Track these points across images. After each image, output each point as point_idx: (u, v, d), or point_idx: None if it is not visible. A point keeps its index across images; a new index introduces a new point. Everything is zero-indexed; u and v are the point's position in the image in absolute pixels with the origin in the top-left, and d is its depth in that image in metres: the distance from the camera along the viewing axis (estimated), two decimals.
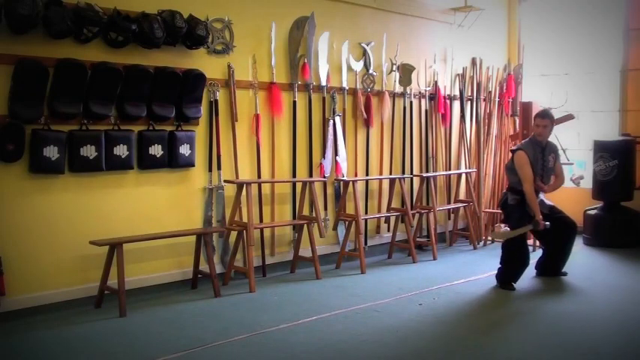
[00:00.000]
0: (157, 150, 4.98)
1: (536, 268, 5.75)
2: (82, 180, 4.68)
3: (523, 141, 5.90)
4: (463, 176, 7.50)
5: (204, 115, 5.32)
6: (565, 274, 5.73)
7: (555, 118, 5.83)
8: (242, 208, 5.44)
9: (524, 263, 5.39)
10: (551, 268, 5.71)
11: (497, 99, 8.05)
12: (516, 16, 8.60)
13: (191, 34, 5.00)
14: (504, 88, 8.16)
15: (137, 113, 4.83)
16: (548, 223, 5.26)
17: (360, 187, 6.45)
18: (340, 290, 5.30)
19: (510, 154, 5.74)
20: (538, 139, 5.50)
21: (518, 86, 8.40)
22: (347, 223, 6.14)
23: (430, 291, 5.23)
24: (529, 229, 5.34)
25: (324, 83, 6.13)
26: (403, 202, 6.53)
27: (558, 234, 5.48)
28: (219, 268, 5.39)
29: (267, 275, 5.74)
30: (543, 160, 5.52)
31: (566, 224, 5.57)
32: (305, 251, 5.85)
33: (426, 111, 7.27)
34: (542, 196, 5.59)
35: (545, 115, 5.57)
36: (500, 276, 5.42)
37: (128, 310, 4.52)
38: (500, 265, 5.45)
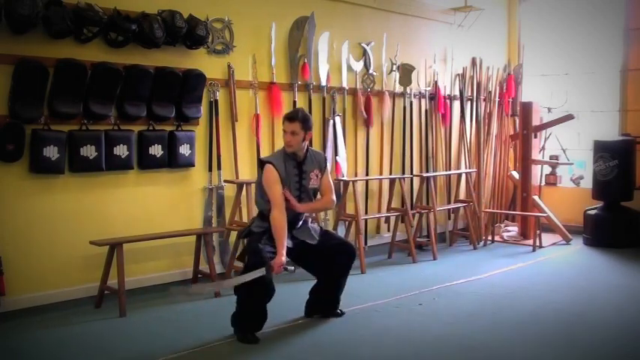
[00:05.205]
0: (156, 150, 4.98)
1: (306, 308, 4.46)
2: (82, 180, 4.68)
3: (276, 150, 4.69)
4: (463, 176, 7.49)
5: (204, 115, 5.32)
6: (341, 313, 4.45)
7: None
8: (242, 208, 5.44)
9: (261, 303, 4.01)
10: (325, 305, 4.43)
11: (497, 99, 8.05)
12: (516, 16, 8.59)
13: (191, 34, 5.01)
14: (504, 88, 8.17)
15: (137, 113, 4.83)
16: (292, 267, 4.07)
17: (360, 187, 6.45)
18: None
19: (259, 166, 4.26)
20: (287, 150, 4.13)
21: (518, 86, 8.41)
22: (347, 223, 6.14)
23: (430, 291, 5.23)
24: (261, 274, 3.81)
25: (324, 83, 6.13)
26: (403, 202, 6.53)
27: (334, 263, 4.29)
28: (219, 268, 5.39)
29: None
30: (300, 177, 4.17)
31: (345, 252, 4.32)
32: None
33: (426, 111, 7.27)
34: (309, 222, 4.34)
35: (292, 116, 4.10)
36: (235, 321, 4.03)
37: (128, 310, 4.52)
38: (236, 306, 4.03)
